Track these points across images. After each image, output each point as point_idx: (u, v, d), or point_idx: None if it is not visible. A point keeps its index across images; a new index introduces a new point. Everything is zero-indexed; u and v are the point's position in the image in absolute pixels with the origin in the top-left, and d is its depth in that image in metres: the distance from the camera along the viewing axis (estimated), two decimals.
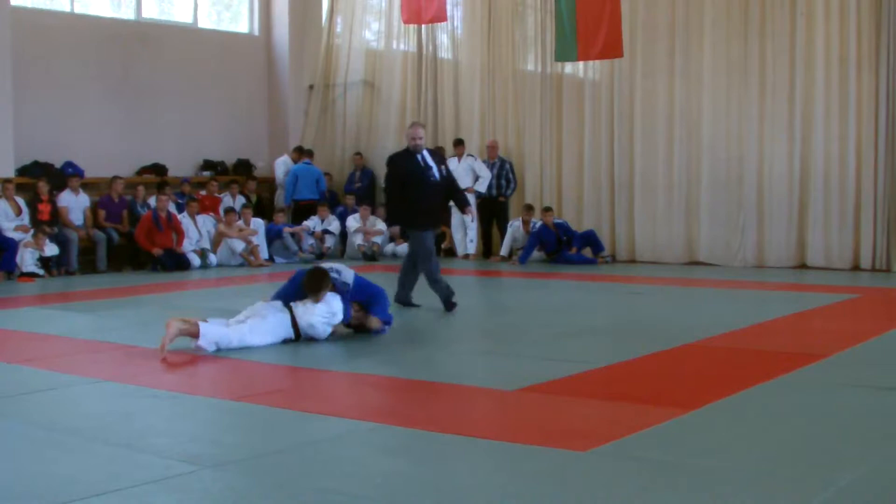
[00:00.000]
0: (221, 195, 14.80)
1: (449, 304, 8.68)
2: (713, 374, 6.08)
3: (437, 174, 8.72)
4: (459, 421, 4.89)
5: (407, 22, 15.10)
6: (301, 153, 15.39)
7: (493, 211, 14.56)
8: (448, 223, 14.64)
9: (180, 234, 13.20)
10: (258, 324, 6.82)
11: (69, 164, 13.49)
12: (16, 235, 12.01)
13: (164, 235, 12.99)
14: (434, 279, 8.70)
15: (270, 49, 16.36)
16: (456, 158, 14.42)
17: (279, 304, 7.03)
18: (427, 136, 15.65)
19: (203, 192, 14.64)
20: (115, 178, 13.57)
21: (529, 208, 14.01)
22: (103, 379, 5.92)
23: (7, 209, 12.29)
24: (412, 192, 8.67)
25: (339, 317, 7.04)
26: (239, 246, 13.68)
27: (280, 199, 15.62)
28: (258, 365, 6.32)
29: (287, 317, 6.94)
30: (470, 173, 14.29)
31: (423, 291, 8.98)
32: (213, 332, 6.61)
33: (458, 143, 14.63)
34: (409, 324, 7.92)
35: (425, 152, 8.77)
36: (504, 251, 14.12)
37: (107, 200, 13.50)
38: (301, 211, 15.13)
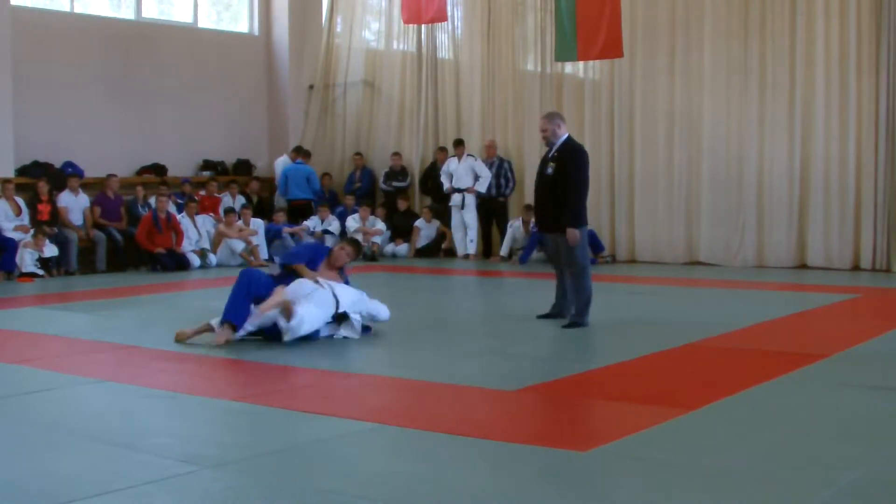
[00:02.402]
0: (221, 195, 14.78)
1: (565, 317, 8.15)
2: (713, 374, 6.09)
3: (548, 169, 7.86)
4: (459, 421, 4.89)
5: (407, 22, 15.11)
6: (299, 153, 15.36)
7: (492, 211, 14.56)
8: (448, 223, 14.67)
9: (179, 234, 13.20)
10: (307, 308, 6.92)
11: (69, 164, 13.48)
12: (15, 235, 11.99)
13: (164, 236, 12.99)
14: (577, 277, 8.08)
15: (270, 49, 16.36)
16: (456, 158, 14.44)
17: (312, 286, 7.08)
18: (427, 136, 15.90)
19: (203, 193, 14.63)
20: (110, 175, 13.56)
21: (529, 208, 13.94)
22: (103, 379, 5.92)
23: (7, 209, 12.28)
24: None
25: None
26: (239, 246, 13.68)
27: (279, 199, 15.59)
28: (258, 365, 6.32)
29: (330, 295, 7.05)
30: (470, 173, 14.31)
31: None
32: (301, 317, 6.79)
33: (459, 144, 14.62)
34: (408, 324, 7.92)
35: (556, 145, 7.89)
36: (504, 251, 14.10)
37: (102, 198, 13.48)
38: (294, 211, 15.09)
